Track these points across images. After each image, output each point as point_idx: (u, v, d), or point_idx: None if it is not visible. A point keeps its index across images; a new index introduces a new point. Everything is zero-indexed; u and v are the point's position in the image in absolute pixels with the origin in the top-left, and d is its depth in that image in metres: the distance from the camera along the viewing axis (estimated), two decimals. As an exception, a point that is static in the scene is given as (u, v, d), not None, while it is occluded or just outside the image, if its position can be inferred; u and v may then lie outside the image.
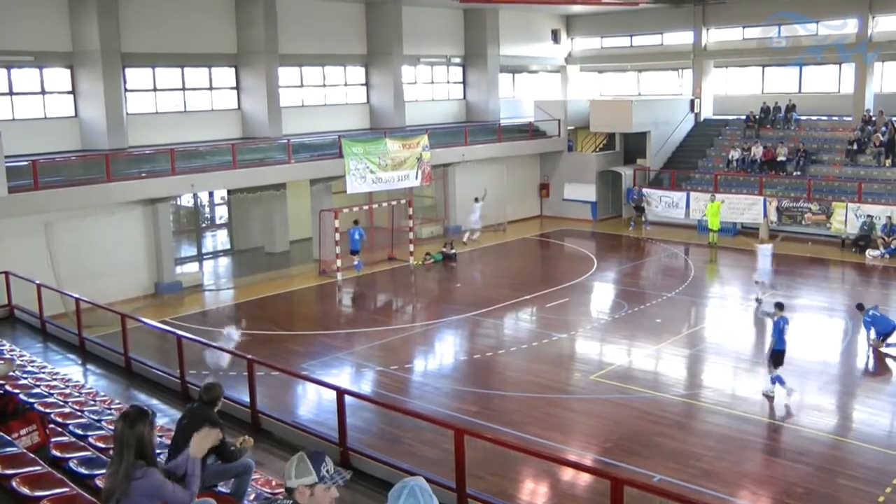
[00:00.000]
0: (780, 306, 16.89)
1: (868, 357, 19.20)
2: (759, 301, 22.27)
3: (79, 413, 9.87)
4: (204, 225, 31.87)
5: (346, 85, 34.57)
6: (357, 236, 27.43)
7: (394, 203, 29.91)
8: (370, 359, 19.53)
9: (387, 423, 14.96)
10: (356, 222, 27.69)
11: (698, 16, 38.72)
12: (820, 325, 22.24)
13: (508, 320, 22.79)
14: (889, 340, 19.09)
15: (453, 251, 30.07)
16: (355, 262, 27.53)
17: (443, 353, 20.73)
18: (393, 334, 21.30)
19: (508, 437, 13.64)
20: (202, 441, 6.04)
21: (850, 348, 20.04)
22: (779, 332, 16.44)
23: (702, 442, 14.70)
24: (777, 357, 16.49)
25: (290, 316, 23.98)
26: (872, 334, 19.29)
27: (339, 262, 27.09)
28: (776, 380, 16.51)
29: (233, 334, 16.27)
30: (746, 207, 32.35)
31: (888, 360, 18.88)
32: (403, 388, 17.68)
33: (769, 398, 16.38)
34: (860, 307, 19.96)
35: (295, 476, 4.51)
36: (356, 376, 18.51)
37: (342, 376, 18.26)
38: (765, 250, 24.10)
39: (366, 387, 17.79)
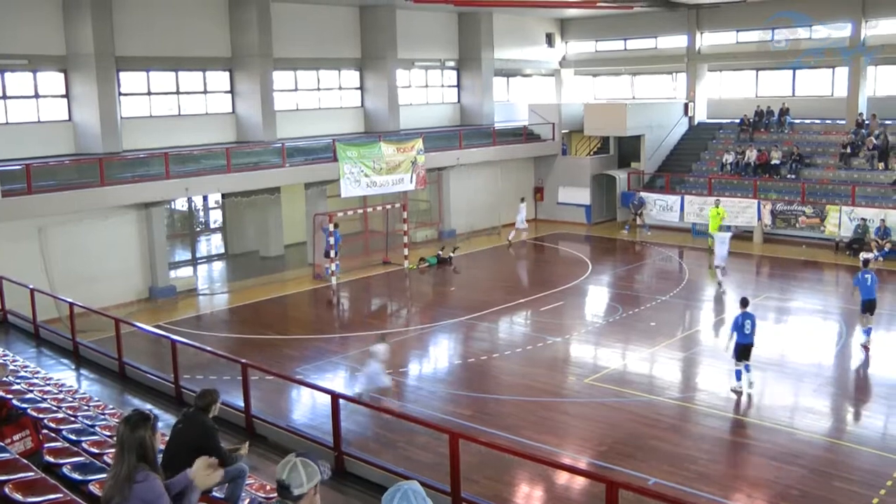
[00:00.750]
0: (743, 303, 17.12)
1: (862, 359, 19.23)
2: (720, 285, 25.61)
3: (72, 418, 9.83)
4: (198, 229, 31.80)
5: (340, 89, 34.56)
6: (332, 240, 27.28)
7: (388, 207, 29.90)
8: (365, 363, 19.45)
9: (381, 427, 14.94)
10: (336, 226, 27.65)
11: (692, 19, 38.80)
12: (814, 327, 22.26)
13: (503, 324, 22.80)
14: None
15: (449, 255, 30.06)
16: (334, 265, 27.41)
17: (437, 356, 20.68)
18: (388, 338, 21.16)
19: (503, 441, 13.64)
20: (208, 477, 5.96)
21: (844, 351, 20.05)
22: (735, 327, 16.73)
23: (697, 445, 14.70)
24: (741, 351, 16.68)
25: (284, 320, 23.93)
26: (862, 335, 19.47)
27: (333, 267, 27.07)
28: (738, 374, 16.79)
29: (380, 351, 16.18)
30: (741, 211, 32.37)
31: (877, 360, 18.95)
32: (399, 390, 17.60)
33: (738, 393, 16.62)
34: (865, 263, 20.67)
35: (307, 481, 4.44)
36: (351, 380, 18.47)
37: (336, 380, 18.24)
38: (721, 238, 26.03)
39: (360, 390, 17.73)
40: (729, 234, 27.01)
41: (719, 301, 24.99)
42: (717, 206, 30.90)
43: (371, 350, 16.55)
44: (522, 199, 33.99)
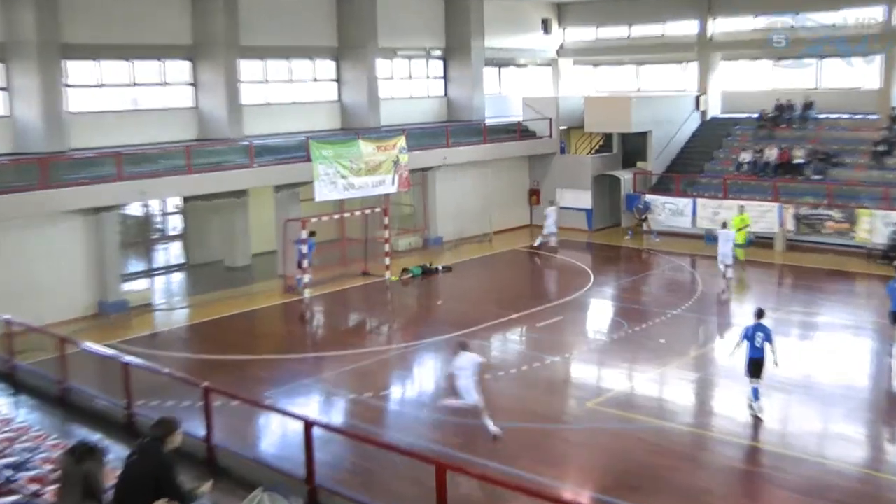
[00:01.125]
0: (758, 313, 17.12)
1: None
2: (726, 281, 27.38)
3: (8, 451, 9.64)
4: (155, 237, 31.64)
5: (314, 81, 34.48)
6: (306, 249, 27.21)
7: (368, 212, 29.78)
8: (341, 385, 19.38)
9: (360, 457, 14.81)
10: (312, 233, 27.51)
11: (703, 3, 38.95)
12: (844, 344, 22.20)
13: (495, 342, 22.69)
14: None
15: (437, 267, 30.02)
16: (306, 277, 27.27)
17: (422, 378, 20.61)
18: (367, 358, 21.14)
19: (496, 473, 13.51)
20: None
21: (880, 371, 20.01)
22: (744, 338, 16.76)
23: (713, 476, 14.65)
24: (751, 367, 16.65)
25: (251, 338, 23.77)
26: None
27: (306, 278, 26.93)
28: (755, 392, 16.69)
29: (467, 362, 15.86)
30: (760, 215, 32.27)
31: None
32: (378, 417, 17.55)
33: (756, 416, 16.49)
34: None
35: None
36: (326, 405, 18.38)
37: (310, 405, 18.13)
38: (726, 235, 27.55)
39: (336, 417, 17.66)
40: (734, 233, 28.18)
41: (736, 314, 24.94)
42: (742, 213, 30.71)
43: (455, 364, 15.99)
44: (551, 203, 33.86)
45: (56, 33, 25.77)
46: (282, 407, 16.11)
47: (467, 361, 15.81)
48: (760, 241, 31.85)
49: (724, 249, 27.19)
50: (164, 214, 31.80)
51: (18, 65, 25.64)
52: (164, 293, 28.35)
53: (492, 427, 15.60)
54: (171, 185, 26.46)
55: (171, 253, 31.83)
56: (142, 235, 30.79)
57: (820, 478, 14.40)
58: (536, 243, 33.29)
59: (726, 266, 27.24)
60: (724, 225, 28.82)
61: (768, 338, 16.67)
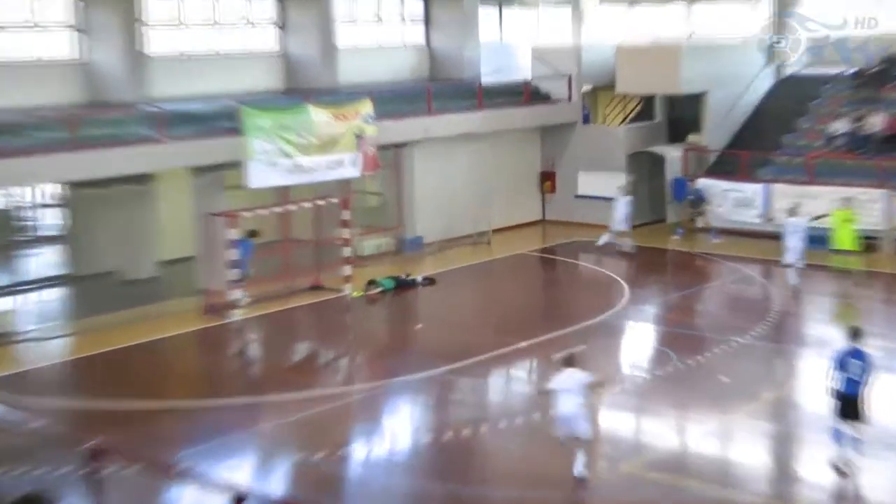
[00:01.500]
0: (853, 334, 17.01)
1: None
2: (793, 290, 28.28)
3: None
4: (22, 239, 31.52)
5: (249, 24, 34.52)
6: (239, 255, 27.18)
7: (321, 203, 29.72)
8: (284, 442, 19.40)
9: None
10: (253, 233, 27.71)
11: (779, -86, 39.18)
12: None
13: (495, 379, 22.86)
14: None
15: (415, 279, 30.19)
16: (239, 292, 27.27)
17: (395, 431, 20.56)
18: (319, 404, 21.15)
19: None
20: None
21: None
22: (836, 367, 16.63)
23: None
24: (842, 406, 16.54)
25: (160, 377, 23.70)
26: None
27: (238, 294, 26.87)
28: (837, 435, 16.63)
29: (572, 381, 16.22)
30: (859, 207, 32.27)
31: None
32: (335, 485, 17.53)
33: (841, 473, 16.41)
34: None
35: None
36: (262, 470, 18.33)
37: (241, 470, 18.03)
38: (795, 226, 28.19)
39: (277, 486, 17.52)
40: (805, 221, 28.44)
41: (828, 343, 24.92)
42: (847, 209, 30.56)
43: (554, 384, 16.34)
44: (621, 189, 34.03)
45: None
46: (201, 473, 16.03)
47: (571, 381, 16.11)
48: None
49: (792, 243, 27.73)
50: (37, 207, 31.70)
51: None
52: (36, 317, 28.28)
53: (580, 468, 16.00)
54: (46, 167, 26.24)
55: (45, 261, 31.79)
56: (3, 237, 30.66)
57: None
58: (600, 242, 33.29)
59: (791, 267, 27.69)
60: (793, 213, 28.76)
61: (866, 367, 16.56)
